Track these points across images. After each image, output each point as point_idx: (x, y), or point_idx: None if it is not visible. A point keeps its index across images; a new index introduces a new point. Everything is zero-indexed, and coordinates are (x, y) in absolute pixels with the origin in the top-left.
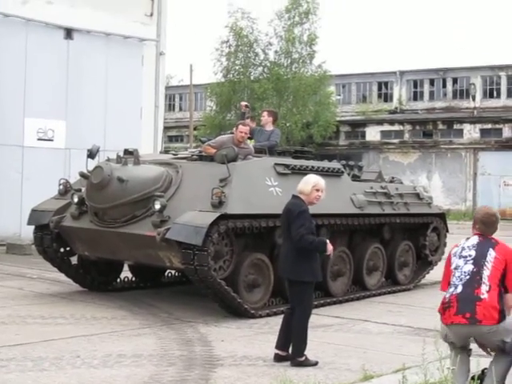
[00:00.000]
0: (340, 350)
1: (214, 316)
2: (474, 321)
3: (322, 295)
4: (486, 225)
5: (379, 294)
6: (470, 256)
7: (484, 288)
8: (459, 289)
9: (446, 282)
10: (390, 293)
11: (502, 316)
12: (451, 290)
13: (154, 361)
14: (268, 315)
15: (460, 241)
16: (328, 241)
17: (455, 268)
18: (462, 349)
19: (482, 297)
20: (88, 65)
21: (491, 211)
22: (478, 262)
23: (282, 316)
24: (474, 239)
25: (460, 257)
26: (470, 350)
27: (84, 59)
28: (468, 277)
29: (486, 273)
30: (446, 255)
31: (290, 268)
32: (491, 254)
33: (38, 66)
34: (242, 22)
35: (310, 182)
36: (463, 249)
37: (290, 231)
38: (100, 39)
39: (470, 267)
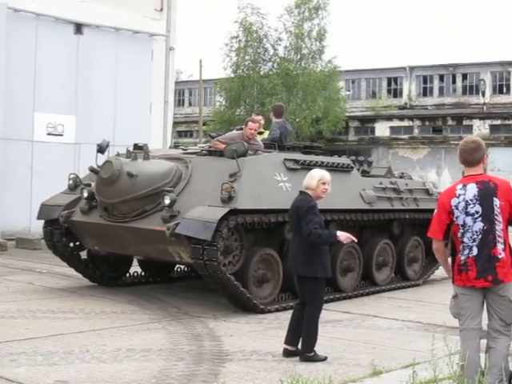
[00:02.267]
0: (349, 346)
1: (223, 311)
2: (498, 282)
3: (331, 290)
4: (467, 153)
5: (388, 290)
6: (477, 213)
7: (500, 247)
8: (475, 251)
9: (441, 230)
10: (399, 288)
11: None
12: (466, 252)
13: (163, 355)
14: (277, 310)
15: (455, 186)
16: (338, 231)
17: (463, 225)
18: (473, 326)
19: (500, 256)
20: (98, 60)
21: (470, 139)
22: (488, 217)
23: (291, 311)
24: (473, 188)
25: (466, 214)
26: (482, 330)
27: (94, 54)
28: (481, 236)
29: (499, 227)
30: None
31: (301, 264)
32: (497, 204)
33: (48, 61)
34: (251, 17)
35: (316, 177)
36: (467, 203)
37: (300, 227)
38: (110, 34)
39: (480, 225)
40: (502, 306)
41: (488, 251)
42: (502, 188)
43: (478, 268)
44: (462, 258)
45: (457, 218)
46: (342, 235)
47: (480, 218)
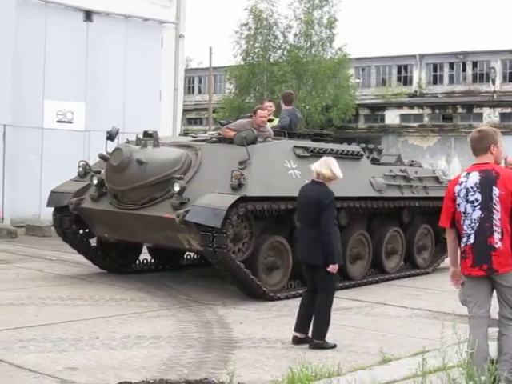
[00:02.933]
0: (359, 333)
1: (232, 298)
2: (492, 271)
3: (340, 278)
4: (473, 142)
5: (398, 278)
6: (476, 201)
7: (497, 236)
8: (472, 239)
9: (447, 218)
10: (408, 276)
11: None
12: (465, 239)
13: (172, 342)
14: (287, 298)
15: (461, 174)
16: (337, 265)
17: (464, 213)
18: (481, 314)
19: (497, 246)
20: (107, 47)
21: (478, 128)
22: (486, 206)
23: (301, 299)
24: (475, 176)
25: (467, 201)
26: (491, 318)
27: (103, 42)
28: (478, 224)
29: (496, 216)
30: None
31: (317, 254)
32: (496, 193)
33: (58, 49)
34: (261, 4)
35: (337, 165)
36: (468, 191)
37: (319, 219)
38: (119, 22)
39: (478, 213)
40: (510, 296)
41: (484, 239)
42: (503, 177)
43: (474, 256)
44: (462, 245)
45: (459, 205)
46: (334, 268)
47: (479, 206)
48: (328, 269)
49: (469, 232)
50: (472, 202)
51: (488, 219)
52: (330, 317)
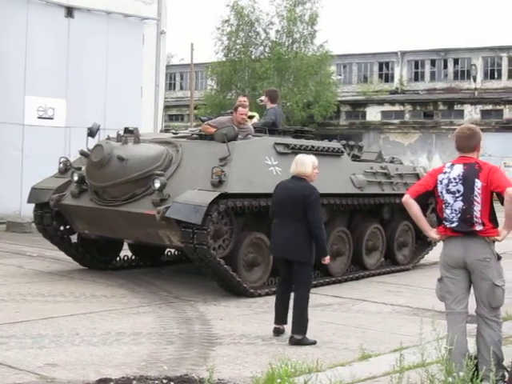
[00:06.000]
0: (338, 330)
1: (213, 295)
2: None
3: (321, 275)
4: (462, 139)
5: (378, 274)
6: (458, 192)
7: (478, 228)
8: (454, 224)
9: (416, 191)
10: (388, 273)
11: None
12: (447, 223)
13: (152, 339)
14: (267, 294)
15: (445, 164)
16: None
17: (444, 203)
18: (459, 310)
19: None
20: (89, 43)
21: (466, 126)
22: (467, 198)
23: (275, 293)
24: (459, 168)
25: (447, 191)
26: (468, 313)
27: (85, 38)
28: (460, 215)
29: (477, 208)
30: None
31: (299, 250)
32: (478, 185)
33: (39, 45)
34: (243, 0)
35: (309, 163)
36: (450, 181)
37: (305, 214)
38: (101, 18)
39: (460, 204)
40: (487, 291)
41: (466, 225)
42: (484, 170)
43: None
44: (443, 227)
45: (440, 193)
46: (327, 259)
47: (461, 198)
48: (323, 262)
49: (451, 219)
50: (453, 193)
51: (469, 211)
52: (307, 312)
